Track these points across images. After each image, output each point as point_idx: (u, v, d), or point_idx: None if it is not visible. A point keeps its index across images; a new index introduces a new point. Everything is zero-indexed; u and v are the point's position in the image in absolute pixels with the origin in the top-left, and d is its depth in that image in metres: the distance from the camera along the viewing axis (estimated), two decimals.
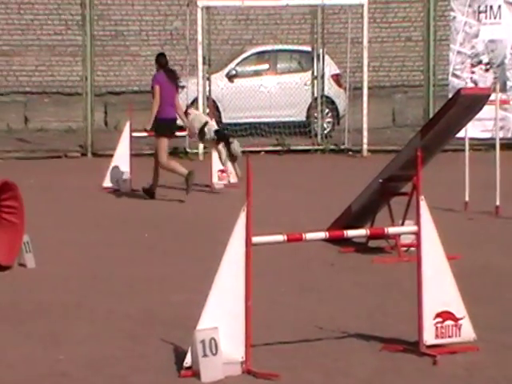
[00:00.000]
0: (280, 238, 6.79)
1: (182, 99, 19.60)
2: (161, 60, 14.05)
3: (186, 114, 14.62)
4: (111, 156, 15.18)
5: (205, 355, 6.36)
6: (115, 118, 19.82)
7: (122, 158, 14.84)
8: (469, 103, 9.93)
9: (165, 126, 13.79)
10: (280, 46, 21.53)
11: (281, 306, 8.18)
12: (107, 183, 14.63)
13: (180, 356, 6.60)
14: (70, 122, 19.73)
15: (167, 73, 13.87)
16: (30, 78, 21.48)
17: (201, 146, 17.94)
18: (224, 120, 19.55)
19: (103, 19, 20.81)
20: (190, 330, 6.50)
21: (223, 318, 6.48)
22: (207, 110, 18.08)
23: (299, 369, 6.61)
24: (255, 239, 6.51)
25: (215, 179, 15.03)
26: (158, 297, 8.57)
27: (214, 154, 15.13)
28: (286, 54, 21.38)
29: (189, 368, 6.41)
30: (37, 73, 21.54)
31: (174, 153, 18.37)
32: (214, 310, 6.49)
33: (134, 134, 15.23)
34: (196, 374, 6.35)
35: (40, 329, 7.57)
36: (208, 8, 18.62)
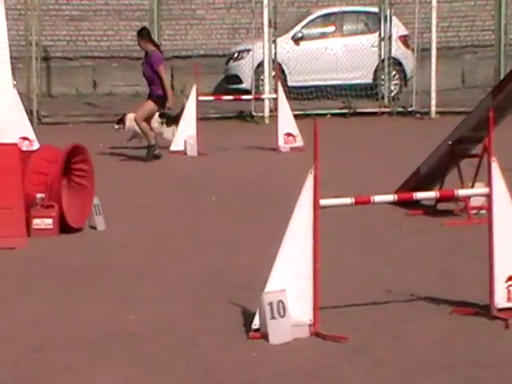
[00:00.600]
0: (348, 200, 6.75)
1: (248, 63, 19.71)
2: (152, 39, 14.91)
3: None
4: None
5: (273, 317, 6.36)
6: (181, 82, 19.84)
7: (188, 122, 14.87)
8: None
9: (162, 101, 14.34)
10: (346, 8, 21.33)
11: (348, 269, 8.17)
12: (174, 147, 14.69)
13: (248, 318, 6.62)
14: (137, 86, 19.80)
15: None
16: (99, 42, 21.62)
17: (266, 109, 17.89)
18: (290, 83, 19.49)
19: None
20: (257, 293, 6.51)
21: (291, 280, 6.47)
22: (273, 73, 18.02)
23: (367, 331, 6.59)
24: (323, 202, 6.47)
25: (281, 142, 15.02)
26: (226, 259, 8.62)
27: (280, 118, 15.11)
28: (353, 16, 21.19)
29: (257, 330, 6.43)
30: (105, 37, 21.68)
31: (240, 116, 18.38)
32: (282, 272, 6.48)
33: (201, 98, 15.24)
34: (264, 336, 6.37)
35: (110, 289, 7.67)
36: None
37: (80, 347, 6.32)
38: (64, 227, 9.51)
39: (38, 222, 9.42)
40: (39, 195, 9.47)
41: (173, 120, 14.94)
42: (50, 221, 9.46)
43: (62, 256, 8.79)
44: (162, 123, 14.88)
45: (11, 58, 9.80)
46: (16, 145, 9.66)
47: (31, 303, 7.30)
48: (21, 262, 8.52)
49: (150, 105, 14.22)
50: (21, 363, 6.03)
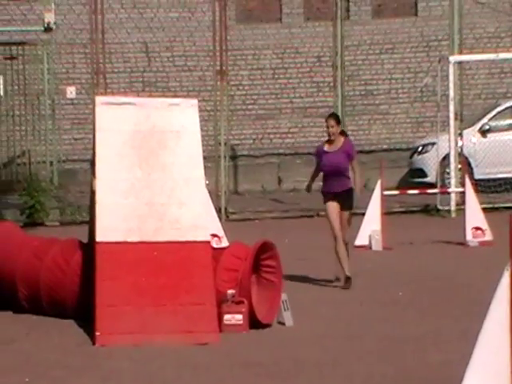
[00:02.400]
0: None
1: (433, 156, 19.66)
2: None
3: None
4: (362, 214, 15.25)
5: None
6: (366, 176, 19.97)
7: (373, 216, 14.91)
8: None
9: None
10: None
11: None
12: (359, 241, 14.73)
13: None
14: (321, 182, 20.03)
15: None
16: (283, 140, 22.05)
17: (453, 202, 17.73)
18: (477, 176, 19.27)
19: (353, 79, 21.13)
20: None
21: (488, 380, 6.36)
22: (459, 166, 17.91)
23: None
24: None
25: (469, 236, 14.83)
26: (415, 356, 8.52)
27: (468, 211, 14.96)
28: None
29: None
30: (289, 135, 22.10)
31: (425, 210, 18.27)
32: (478, 372, 6.38)
33: (385, 192, 15.29)
34: None
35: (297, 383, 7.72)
36: (460, 63, 18.52)
37: None
38: (253, 323, 9.61)
39: (228, 318, 9.57)
40: (230, 291, 9.63)
41: None
42: (240, 316, 9.60)
43: (252, 351, 8.87)
44: None
45: (203, 158, 10.19)
46: (208, 242, 9.94)
47: None
48: (214, 357, 8.66)
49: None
50: None
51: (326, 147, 11.87)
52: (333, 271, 11.95)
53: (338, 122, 11.91)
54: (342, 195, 11.67)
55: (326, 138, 11.99)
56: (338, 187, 11.72)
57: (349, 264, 11.77)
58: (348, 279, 11.70)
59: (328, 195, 11.78)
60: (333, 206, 11.71)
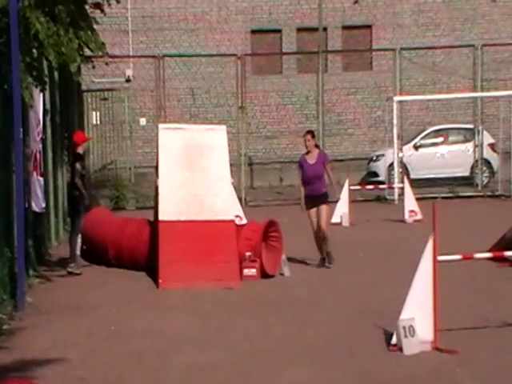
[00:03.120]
0: (457, 256, 6.62)
1: (383, 163, 19.58)
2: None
3: None
4: (336, 202, 14.89)
5: (406, 336, 6.26)
6: (337, 176, 19.83)
7: (343, 203, 14.73)
8: None
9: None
10: (450, 125, 20.93)
11: (458, 303, 7.91)
12: (334, 219, 14.49)
13: (388, 336, 6.52)
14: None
15: None
16: (283, 152, 21.98)
17: (396, 194, 17.62)
18: (412, 176, 19.11)
19: (330, 112, 21.01)
20: (394, 319, 6.41)
21: (418, 311, 6.36)
22: (400, 170, 17.84)
23: (473, 347, 6.37)
24: (440, 258, 6.36)
25: (406, 216, 14.76)
26: (372, 295, 8.48)
27: (406, 199, 14.89)
28: (455, 131, 20.68)
29: (395, 345, 6.33)
30: (287, 149, 22.01)
31: (378, 199, 18.17)
32: (412, 305, 6.38)
33: (351, 187, 15.23)
34: (400, 349, 6.26)
35: (295, 315, 7.68)
36: (400, 101, 18.47)
37: (277, 354, 6.37)
38: (263, 274, 9.63)
39: (246, 271, 9.57)
40: (247, 253, 9.63)
41: None
42: (254, 270, 9.59)
43: (262, 293, 8.86)
44: None
45: (229, 164, 10.20)
46: (233, 221, 9.92)
47: (243, 323, 7.40)
48: (236, 297, 8.66)
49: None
50: (239, 363, 6.11)
51: (308, 159, 10.57)
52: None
53: (313, 136, 10.84)
54: (320, 196, 10.36)
55: (306, 152, 10.66)
56: (316, 190, 10.35)
57: (327, 246, 10.40)
58: (328, 254, 10.40)
59: (309, 198, 10.36)
60: (312, 213, 10.41)
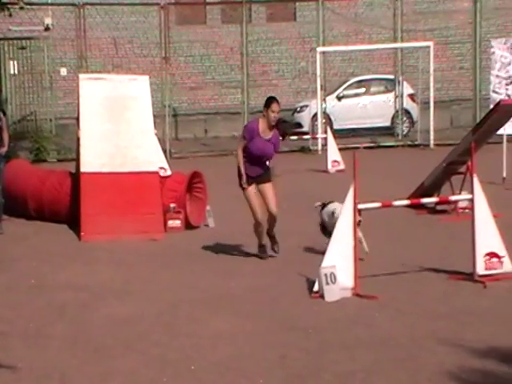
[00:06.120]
0: (377, 204, 6.70)
1: (307, 114, 19.62)
2: None
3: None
4: None
5: (327, 283, 6.33)
6: None
7: None
8: (506, 110, 9.56)
9: None
10: (372, 76, 21.11)
11: (377, 250, 8.05)
12: None
13: (311, 284, 6.58)
14: (234, 131, 19.88)
15: None
16: (208, 103, 21.74)
17: (319, 144, 17.72)
18: (335, 127, 19.26)
19: (254, 63, 20.79)
20: (316, 267, 6.47)
21: (339, 258, 6.43)
22: (323, 120, 17.93)
23: (391, 292, 6.51)
24: (360, 206, 6.42)
25: (330, 166, 14.90)
26: (296, 244, 8.50)
27: (329, 150, 15.00)
28: (377, 81, 20.91)
29: (317, 292, 6.40)
30: (212, 100, 21.79)
31: (302, 150, 18.26)
32: (333, 253, 6.44)
33: None
34: (321, 296, 6.34)
35: (219, 266, 7.68)
36: (324, 52, 18.45)
37: (201, 304, 6.36)
38: (188, 225, 9.58)
39: (171, 223, 9.49)
40: (172, 205, 9.54)
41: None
42: (178, 221, 9.53)
43: (187, 244, 8.82)
44: None
45: (153, 116, 9.98)
46: (157, 172, 9.78)
47: (168, 275, 7.36)
48: (160, 248, 8.60)
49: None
50: (163, 314, 6.09)
51: (261, 130, 7.68)
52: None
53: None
54: (261, 175, 7.77)
55: (259, 118, 7.85)
56: (259, 170, 7.77)
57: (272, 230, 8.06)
58: (273, 239, 7.98)
59: (248, 178, 7.70)
60: (252, 193, 7.77)
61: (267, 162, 7.84)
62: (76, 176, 9.75)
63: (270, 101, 7.81)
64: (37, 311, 6.17)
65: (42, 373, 4.83)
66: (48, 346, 5.35)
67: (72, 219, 9.48)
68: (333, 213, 7.71)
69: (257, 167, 7.75)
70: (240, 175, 7.74)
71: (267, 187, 7.77)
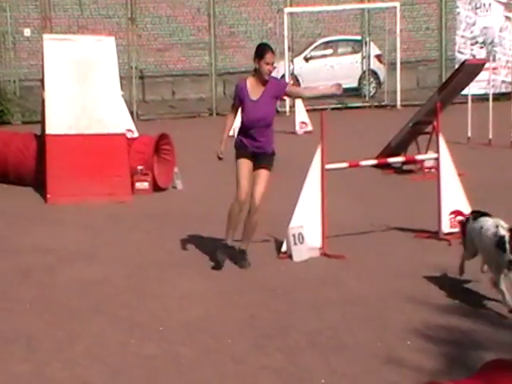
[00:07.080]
0: (344, 164, 6.66)
1: (275, 75, 19.36)
2: None
3: None
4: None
5: (295, 244, 6.32)
6: (231, 90, 19.63)
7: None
8: (471, 70, 9.55)
9: None
10: (339, 37, 20.97)
11: (345, 210, 8.07)
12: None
13: (278, 245, 6.56)
14: (201, 93, 19.66)
15: None
16: (176, 65, 21.40)
17: (287, 106, 17.60)
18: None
19: (222, 24, 20.51)
20: (284, 228, 6.44)
21: (307, 219, 6.40)
22: (291, 82, 17.78)
23: (358, 251, 6.52)
24: (327, 166, 6.38)
25: (297, 128, 14.85)
26: (264, 205, 8.46)
27: (297, 111, 14.93)
28: (344, 42, 20.80)
29: (285, 252, 6.38)
30: (179, 62, 21.46)
31: None
32: (301, 213, 6.41)
33: None
34: (289, 256, 6.32)
35: (186, 228, 7.60)
36: (291, 13, 18.24)
37: (168, 266, 6.31)
38: (155, 187, 9.50)
39: (138, 185, 9.40)
40: (139, 167, 9.44)
41: None
42: (146, 184, 9.44)
43: (154, 206, 8.76)
44: None
45: (120, 77, 9.77)
46: (124, 134, 9.63)
47: (135, 237, 7.30)
48: (128, 211, 8.52)
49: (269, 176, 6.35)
50: (131, 277, 6.02)
51: (250, 90, 6.17)
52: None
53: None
54: (263, 156, 6.25)
55: (246, 78, 6.28)
56: (261, 147, 6.24)
57: (249, 239, 6.38)
58: (242, 253, 6.28)
59: (244, 150, 6.23)
60: (244, 164, 6.23)
61: (270, 138, 6.24)
62: (41, 138, 9.54)
63: (264, 49, 6.02)
64: (1, 274, 6.05)
65: (8, 337, 4.74)
66: (13, 310, 5.25)
67: (38, 182, 9.31)
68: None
69: (254, 137, 6.11)
70: (221, 141, 6.23)
71: (261, 174, 6.16)
